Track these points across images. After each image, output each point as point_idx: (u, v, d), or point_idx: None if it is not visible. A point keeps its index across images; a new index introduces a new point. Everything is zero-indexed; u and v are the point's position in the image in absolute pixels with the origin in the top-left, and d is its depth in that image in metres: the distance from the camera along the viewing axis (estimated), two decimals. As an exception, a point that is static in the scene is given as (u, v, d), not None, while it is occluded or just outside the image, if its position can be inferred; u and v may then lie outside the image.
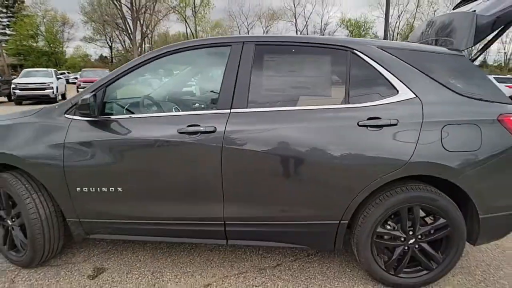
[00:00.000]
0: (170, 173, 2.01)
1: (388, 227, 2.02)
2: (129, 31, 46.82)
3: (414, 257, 2.04)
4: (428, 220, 2.07)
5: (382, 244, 2.03)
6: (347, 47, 2.03)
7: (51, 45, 46.33)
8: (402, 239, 2.00)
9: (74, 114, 2.08)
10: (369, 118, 1.89)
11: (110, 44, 57.90)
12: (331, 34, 59.78)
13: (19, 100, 13.85)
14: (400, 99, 1.94)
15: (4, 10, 46.10)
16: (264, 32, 59.17)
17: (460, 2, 2.65)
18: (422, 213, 2.04)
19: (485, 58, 55.30)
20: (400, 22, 51.35)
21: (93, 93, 2.01)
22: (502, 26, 2.07)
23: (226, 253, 2.48)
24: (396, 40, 54.36)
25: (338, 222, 1.98)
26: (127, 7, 44.63)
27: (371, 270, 2.06)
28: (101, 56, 61.81)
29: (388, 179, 1.88)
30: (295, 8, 57.96)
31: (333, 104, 2.02)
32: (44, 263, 2.29)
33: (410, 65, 1.99)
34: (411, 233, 1.99)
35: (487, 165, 1.90)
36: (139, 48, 47.99)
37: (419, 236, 1.99)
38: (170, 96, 2.70)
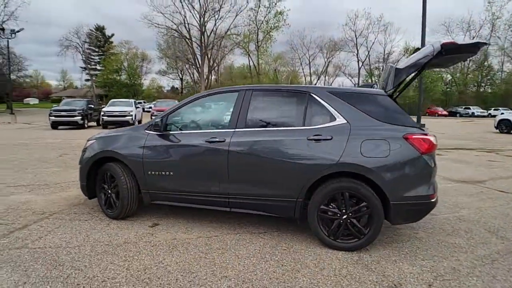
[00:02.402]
0: (200, 164, 3.42)
1: (329, 206, 3.10)
2: (198, 65, 52.24)
3: (348, 228, 3.05)
4: (356, 202, 3.09)
5: (325, 217, 3.10)
6: (306, 91, 3.30)
7: (131, 78, 53.86)
8: (338, 214, 3.06)
9: (150, 130, 3.66)
10: (314, 135, 3.09)
11: (181, 76, 64.73)
12: (393, 62, 58.88)
13: (106, 125, 17.16)
14: (336, 124, 3.11)
15: (96, 50, 55.66)
16: (325, 63, 59.94)
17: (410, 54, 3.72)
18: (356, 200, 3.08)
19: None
20: (473, 47, 48.91)
21: (160, 119, 3.56)
22: (412, 74, 3.15)
23: (231, 223, 3.76)
24: (470, 66, 51.46)
25: (296, 199, 3.15)
26: (197, 44, 50.27)
27: (319, 235, 3.13)
28: (172, 87, 69.27)
29: (325, 173, 3.02)
30: (356, 38, 57.83)
31: (295, 126, 3.25)
32: (124, 219, 3.80)
33: (346, 102, 3.16)
34: (344, 210, 3.04)
35: (393, 167, 2.93)
36: (206, 80, 53.08)
37: (350, 213, 3.03)
38: (202, 121, 4.08)
